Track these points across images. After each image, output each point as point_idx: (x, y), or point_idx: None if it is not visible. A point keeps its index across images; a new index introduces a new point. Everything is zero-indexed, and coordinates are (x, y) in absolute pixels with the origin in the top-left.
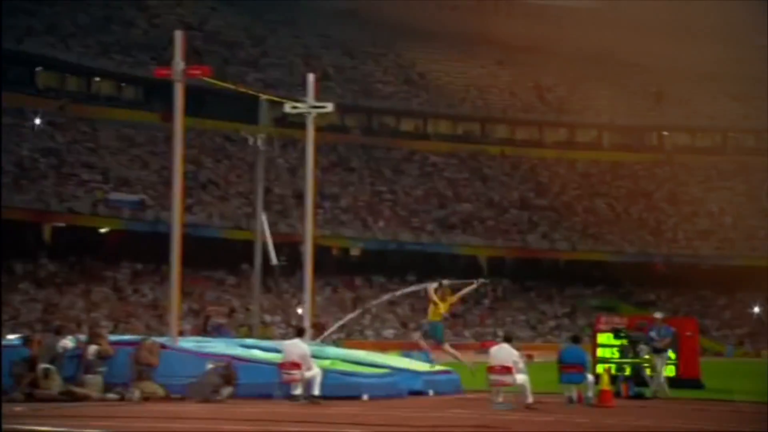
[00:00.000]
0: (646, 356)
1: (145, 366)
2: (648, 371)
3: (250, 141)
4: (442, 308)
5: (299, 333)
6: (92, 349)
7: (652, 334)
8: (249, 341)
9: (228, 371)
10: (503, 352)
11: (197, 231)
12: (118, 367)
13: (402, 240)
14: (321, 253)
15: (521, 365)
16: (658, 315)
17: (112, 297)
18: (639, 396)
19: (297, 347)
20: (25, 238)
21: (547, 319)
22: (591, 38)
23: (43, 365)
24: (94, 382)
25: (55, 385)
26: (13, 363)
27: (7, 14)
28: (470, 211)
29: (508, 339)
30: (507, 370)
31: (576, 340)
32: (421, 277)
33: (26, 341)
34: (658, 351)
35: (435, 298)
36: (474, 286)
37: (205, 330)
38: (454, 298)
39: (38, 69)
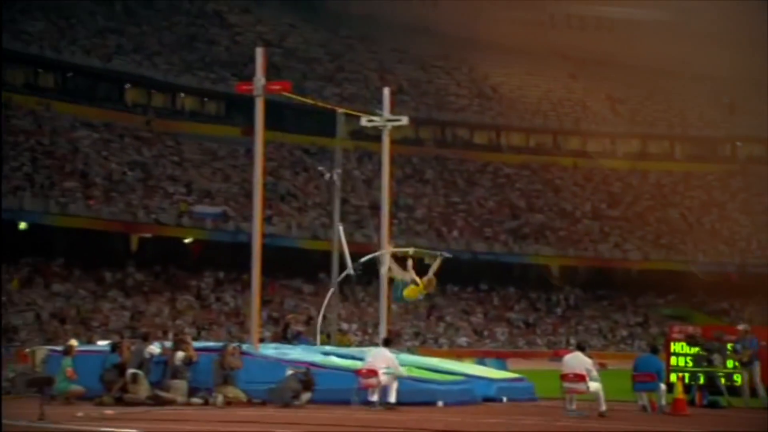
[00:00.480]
0: (720, 365)
1: (231, 370)
2: (722, 380)
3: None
4: (422, 287)
5: (386, 342)
6: (179, 354)
7: (737, 346)
8: (327, 348)
9: (307, 377)
10: (576, 360)
11: (276, 241)
12: (201, 372)
13: (475, 250)
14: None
15: (594, 373)
16: (742, 327)
17: (195, 305)
18: (713, 405)
19: (382, 355)
20: (114, 248)
21: (620, 328)
22: (663, 50)
23: (131, 370)
24: (179, 386)
25: (143, 389)
26: (104, 368)
27: (98, 35)
28: (542, 221)
29: (581, 347)
30: (580, 378)
31: (655, 350)
32: (494, 285)
33: (116, 347)
34: (744, 363)
35: (416, 278)
36: (438, 259)
37: (284, 337)
38: (429, 280)
39: (126, 86)
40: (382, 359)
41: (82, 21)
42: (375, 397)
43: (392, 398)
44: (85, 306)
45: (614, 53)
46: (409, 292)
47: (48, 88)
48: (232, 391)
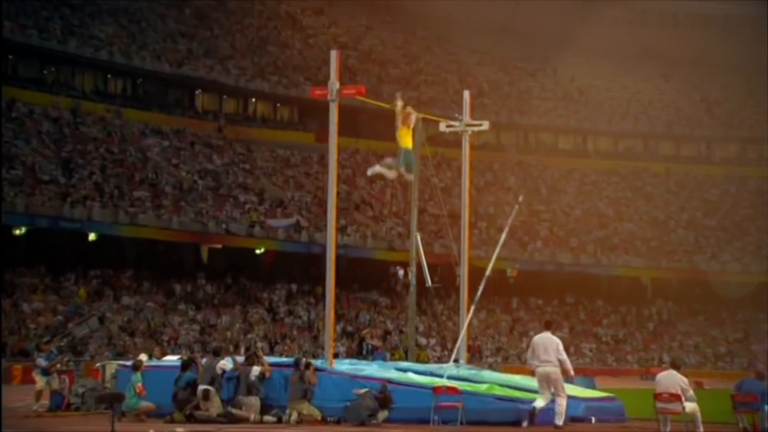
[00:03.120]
0: None
1: (310, 385)
2: None
3: None
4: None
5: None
6: (255, 370)
7: None
8: (404, 364)
9: (384, 394)
10: (671, 379)
11: (351, 252)
12: (273, 389)
13: (560, 261)
14: (476, 274)
15: (690, 393)
16: None
17: (267, 318)
18: None
19: (553, 371)
20: (184, 259)
21: (718, 344)
22: (761, 48)
23: (202, 386)
24: (253, 403)
25: (215, 406)
26: (179, 387)
27: (168, 39)
28: (632, 230)
29: (675, 365)
30: (675, 397)
31: (760, 376)
32: (581, 298)
33: (188, 364)
34: None
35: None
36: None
37: (359, 352)
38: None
39: (197, 91)
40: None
41: (152, 25)
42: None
43: (559, 421)
44: (154, 319)
45: (709, 52)
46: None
47: (118, 94)
48: (307, 408)
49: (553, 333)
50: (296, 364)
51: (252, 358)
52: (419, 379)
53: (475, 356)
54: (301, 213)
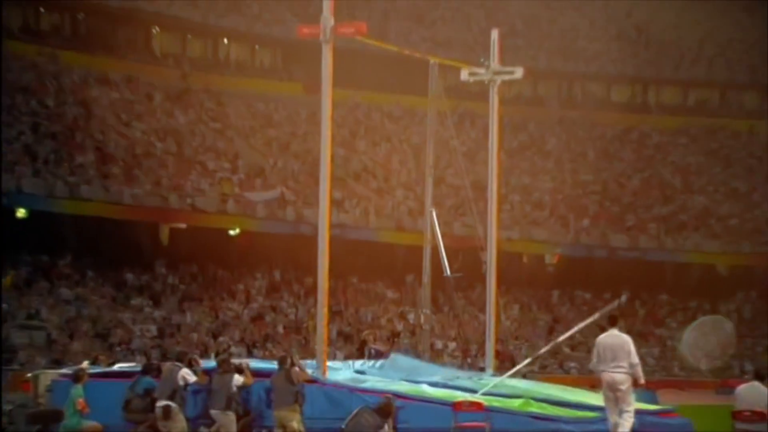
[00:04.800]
0: None
1: (299, 387)
2: None
3: None
4: None
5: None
6: (237, 379)
7: None
8: (414, 364)
9: (383, 404)
10: (754, 393)
11: (349, 233)
12: (250, 402)
13: (613, 245)
14: (507, 261)
15: None
16: None
17: (243, 316)
18: None
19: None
20: (139, 242)
21: None
22: None
23: (162, 402)
24: (230, 420)
25: (178, 428)
26: (132, 395)
27: None
28: (706, 205)
29: (759, 375)
30: (759, 416)
31: None
32: (639, 291)
33: (150, 369)
34: None
35: None
36: None
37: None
38: None
39: (154, 30)
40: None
41: None
42: None
43: None
44: (101, 317)
45: None
46: None
47: (53, 33)
48: (298, 421)
49: (621, 330)
50: (281, 363)
51: (226, 364)
52: (435, 392)
53: (505, 364)
54: (287, 184)
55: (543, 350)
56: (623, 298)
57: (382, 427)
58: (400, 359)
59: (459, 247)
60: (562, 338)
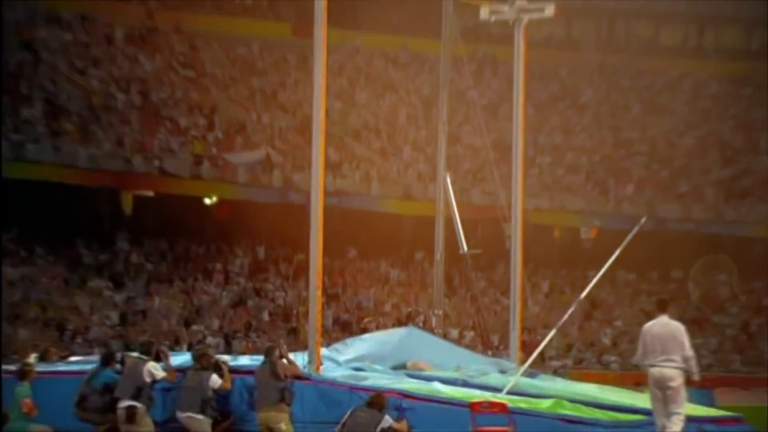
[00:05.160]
0: None
1: (287, 383)
2: None
3: None
4: None
5: None
6: (215, 380)
7: None
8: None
9: (377, 400)
10: None
11: (348, 201)
12: (229, 403)
13: (662, 215)
14: (536, 235)
15: None
16: None
17: (221, 300)
18: None
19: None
20: (97, 212)
21: None
22: None
23: (125, 403)
24: (200, 427)
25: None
26: (88, 390)
27: None
28: None
29: None
30: None
31: None
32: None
33: (110, 359)
34: None
35: None
36: None
37: None
38: None
39: None
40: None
41: None
42: None
43: None
44: (51, 302)
45: None
46: None
47: None
48: (285, 423)
49: (672, 318)
50: (267, 355)
51: (206, 359)
52: (448, 391)
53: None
54: (273, 143)
55: (565, 316)
56: (643, 220)
57: (380, 421)
58: (416, 335)
59: (478, 219)
60: (583, 294)
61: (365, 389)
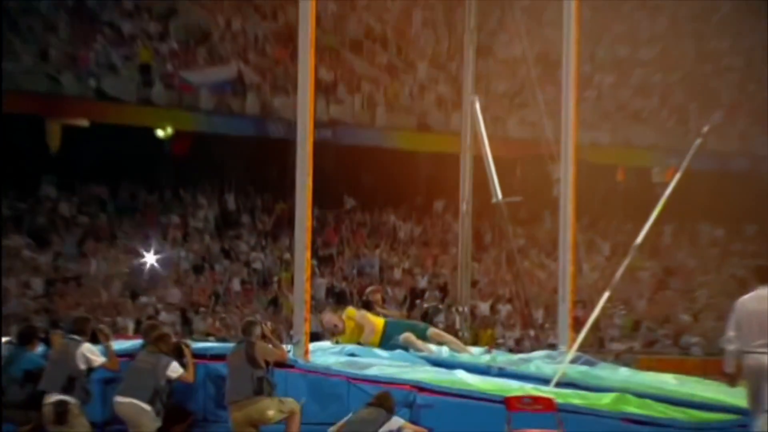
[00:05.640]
0: None
1: (266, 371)
2: None
3: None
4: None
5: None
6: (174, 368)
7: None
8: (445, 353)
9: (383, 399)
10: None
11: (345, 134)
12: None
13: (759, 152)
14: (593, 179)
15: None
16: None
17: (180, 263)
18: None
19: None
20: (14, 148)
21: None
22: None
23: (54, 397)
24: (142, 419)
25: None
26: (8, 375)
27: None
28: None
29: None
30: None
31: None
32: None
33: (29, 338)
34: None
35: None
36: None
37: None
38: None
39: None
40: None
41: None
42: None
43: None
44: None
45: None
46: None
47: None
48: (274, 409)
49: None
50: (245, 334)
51: (163, 341)
52: (476, 382)
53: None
54: (246, 58)
55: (618, 272)
56: (705, 128)
57: (389, 419)
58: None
59: (517, 157)
60: (639, 239)
61: (369, 380)
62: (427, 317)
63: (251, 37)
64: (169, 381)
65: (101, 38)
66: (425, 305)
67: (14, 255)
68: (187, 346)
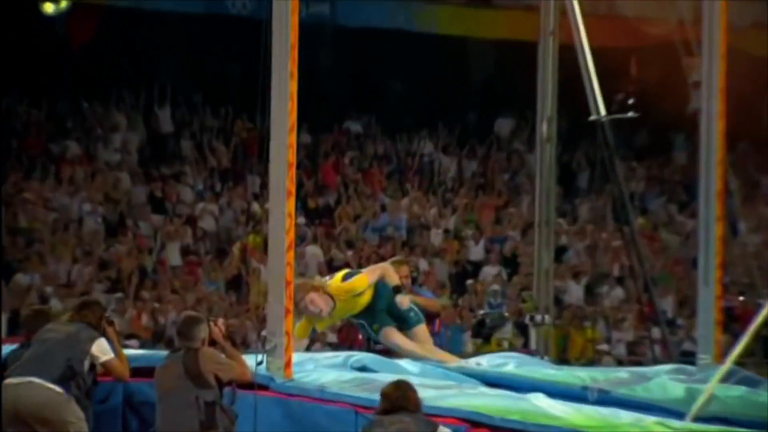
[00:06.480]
0: None
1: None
2: None
3: None
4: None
5: None
6: (102, 347)
7: None
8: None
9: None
10: None
11: (346, 13)
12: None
13: None
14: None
15: None
16: None
17: (84, 220)
18: None
19: None
20: None
21: None
22: None
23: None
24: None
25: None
26: None
27: None
28: None
29: None
30: None
31: None
32: None
33: None
34: None
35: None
36: None
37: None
38: None
39: None
40: None
41: None
42: None
43: None
44: None
45: None
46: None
47: None
48: None
49: None
50: (182, 334)
51: (91, 311)
52: (566, 414)
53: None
54: None
55: None
56: None
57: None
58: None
59: (631, 47)
60: None
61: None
62: (484, 330)
63: None
64: (93, 367)
65: None
66: (480, 312)
67: None
68: (111, 323)
